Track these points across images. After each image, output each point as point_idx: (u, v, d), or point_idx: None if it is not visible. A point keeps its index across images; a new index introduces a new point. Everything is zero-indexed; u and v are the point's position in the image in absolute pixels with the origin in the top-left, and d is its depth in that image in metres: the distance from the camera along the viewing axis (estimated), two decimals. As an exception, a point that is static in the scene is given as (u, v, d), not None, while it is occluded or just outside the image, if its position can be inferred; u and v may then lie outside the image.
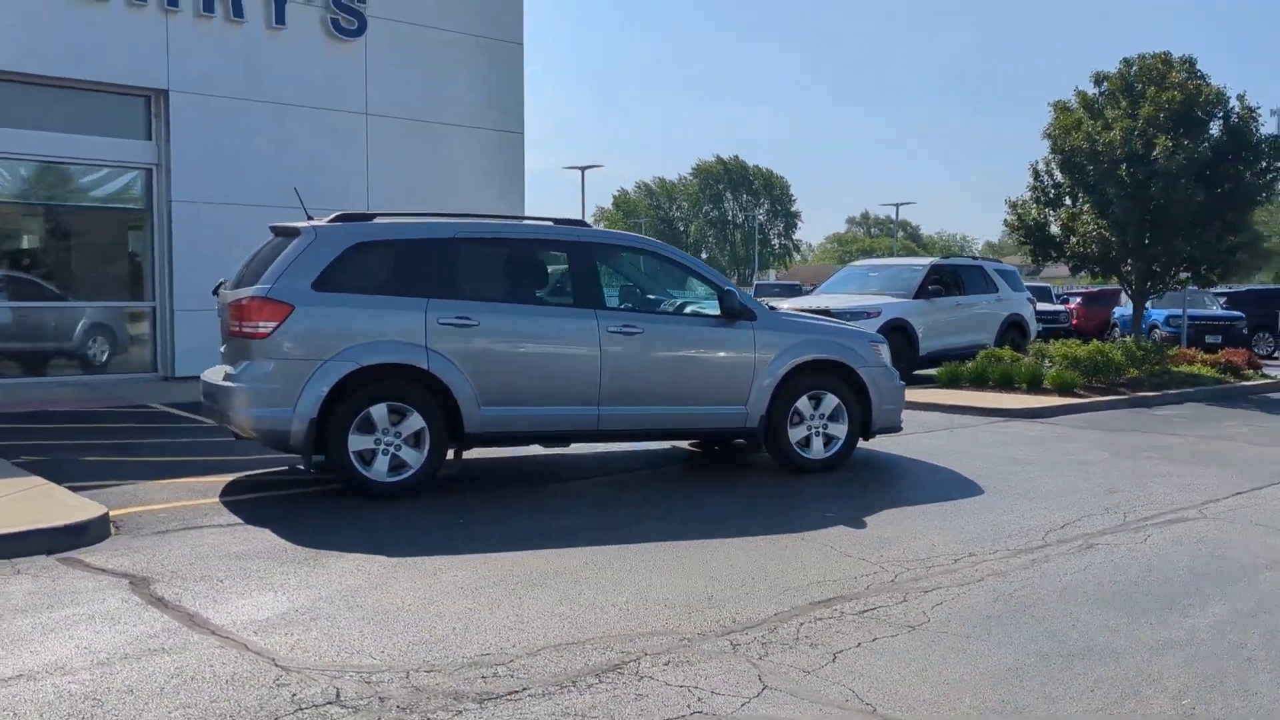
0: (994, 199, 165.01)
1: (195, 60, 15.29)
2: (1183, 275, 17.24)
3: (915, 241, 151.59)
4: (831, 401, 9.03)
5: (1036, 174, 17.94)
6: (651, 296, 9.31)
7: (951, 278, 17.89)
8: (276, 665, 4.61)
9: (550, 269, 8.79)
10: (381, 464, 7.78)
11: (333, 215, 8.18)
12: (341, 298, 7.76)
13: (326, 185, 16.60)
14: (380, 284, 7.98)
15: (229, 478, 8.64)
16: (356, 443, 7.70)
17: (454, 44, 17.90)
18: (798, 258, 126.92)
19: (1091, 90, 17.31)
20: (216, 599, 5.50)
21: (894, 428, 9.44)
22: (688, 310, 9.13)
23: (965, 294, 17.94)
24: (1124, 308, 31.39)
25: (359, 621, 5.18)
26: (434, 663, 4.67)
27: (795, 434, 8.93)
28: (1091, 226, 16.50)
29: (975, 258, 21.67)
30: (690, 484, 8.89)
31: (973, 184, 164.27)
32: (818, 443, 9.04)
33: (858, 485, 8.77)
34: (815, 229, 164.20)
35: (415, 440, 7.85)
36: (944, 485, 8.73)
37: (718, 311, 8.78)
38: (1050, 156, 17.44)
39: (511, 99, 18.72)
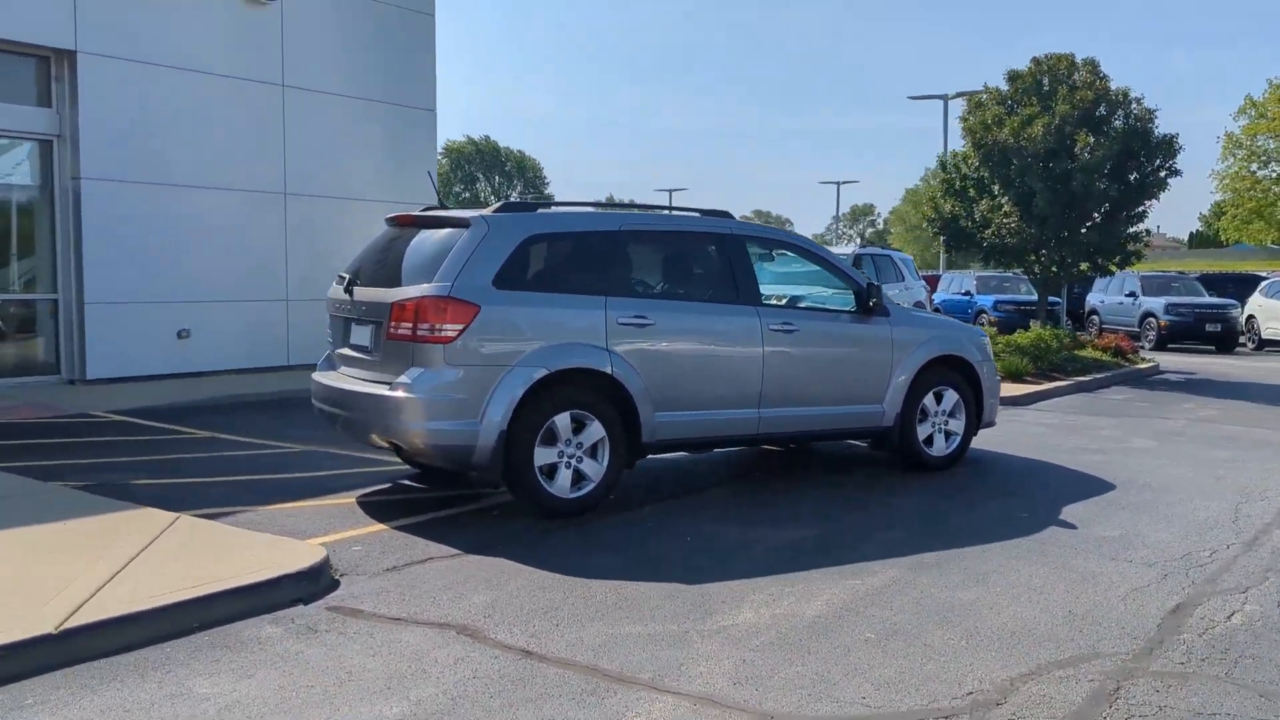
0: (722, 186, 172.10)
1: (106, 18, 13.51)
2: (1083, 264, 18.33)
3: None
4: (952, 398, 8.99)
5: (944, 166, 18.59)
6: (792, 292, 8.95)
7: (871, 267, 18.29)
8: (784, 724, 4.10)
9: (704, 263, 8.24)
10: (564, 479, 7.12)
11: (497, 204, 7.38)
12: (524, 296, 7.03)
13: (244, 162, 15.21)
14: (555, 280, 7.29)
15: (342, 498, 7.71)
16: (541, 456, 7.00)
17: (369, 13, 16.69)
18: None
19: (1004, 87, 18.07)
20: (597, 650, 4.83)
21: (992, 422, 9.51)
22: (803, 305, 8.83)
23: (881, 283, 18.33)
24: (941, 293, 33.17)
25: (786, 664, 4.70)
26: (937, 708, 4.28)
27: (921, 431, 8.83)
28: (1013, 219, 17.26)
29: (884, 248, 22.28)
30: (838, 484, 8.53)
31: (703, 172, 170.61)
32: (940, 440, 8.98)
33: (990, 481, 8.78)
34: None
35: (593, 451, 7.22)
36: (1066, 480, 8.84)
37: (852, 307, 8.54)
38: (964, 150, 18.12)
39: (424, 73, 17.67)
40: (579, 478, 7.18)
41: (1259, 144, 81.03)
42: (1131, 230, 17.88)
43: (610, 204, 8.07)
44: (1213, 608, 5.56)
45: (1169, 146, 17.23)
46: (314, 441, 10.02)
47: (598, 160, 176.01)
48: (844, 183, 74.50)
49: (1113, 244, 17.64)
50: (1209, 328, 26.43)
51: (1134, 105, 17.25)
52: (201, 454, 9.50)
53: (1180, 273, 31.90)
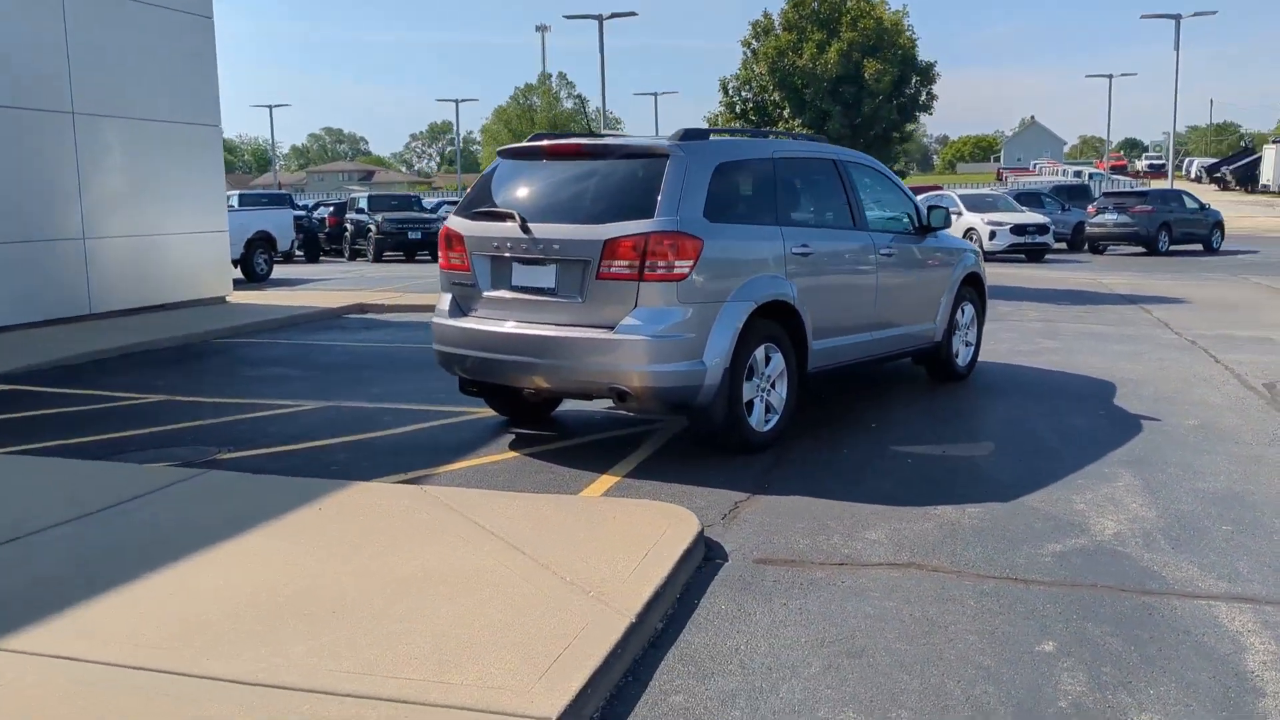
0: (310, 104, 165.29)
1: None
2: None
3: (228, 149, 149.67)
4: (970, 312, 9.66)
5: (726, 89, 19.25)
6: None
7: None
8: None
9: (832, 189, 8.17)
10: (759, 412, 7.04)
11: (678, 133, 6.97)
12: (727, 229, 6.79)
13: (23, 66, 12.86)
14: (739, 210, 7.08)
15: (500, 454, 7.17)
16: (747, 391, 6.89)
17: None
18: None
19: (785, 14, 18.87)
20: (1067, 568, 5.02)
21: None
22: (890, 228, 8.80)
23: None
24: None
25: (1238, 559, 5.10)
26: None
27: (953, 345, 9.44)
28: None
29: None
30: (914, 400, 8.92)
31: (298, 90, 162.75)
32: (965, 352, 9.64)
33: (1016, 386, 9.55)
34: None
35: (772, 384, 7.18)
36: (1071, 382, 9.80)
37: (912, 228, 8.86)
38: (744, 73, 18.83)
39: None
40: (767, 410, 7.12)
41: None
42: (905, 148, 19.54)
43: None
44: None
45: (928, 72, 18.96)
46: (302, 396, 9.12)
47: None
48: (464, 101, 73.39)
49: (886, 163, 19.20)
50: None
51: (902, 35, 18.75)
52: (215, 419, 8.29)
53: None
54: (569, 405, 8.41)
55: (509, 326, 6.85)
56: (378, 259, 32.24)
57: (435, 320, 7.33)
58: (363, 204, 34.66)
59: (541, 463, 6.87)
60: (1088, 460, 6.93)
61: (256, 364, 11.18)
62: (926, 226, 8.90)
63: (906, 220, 8.84)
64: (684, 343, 6.47)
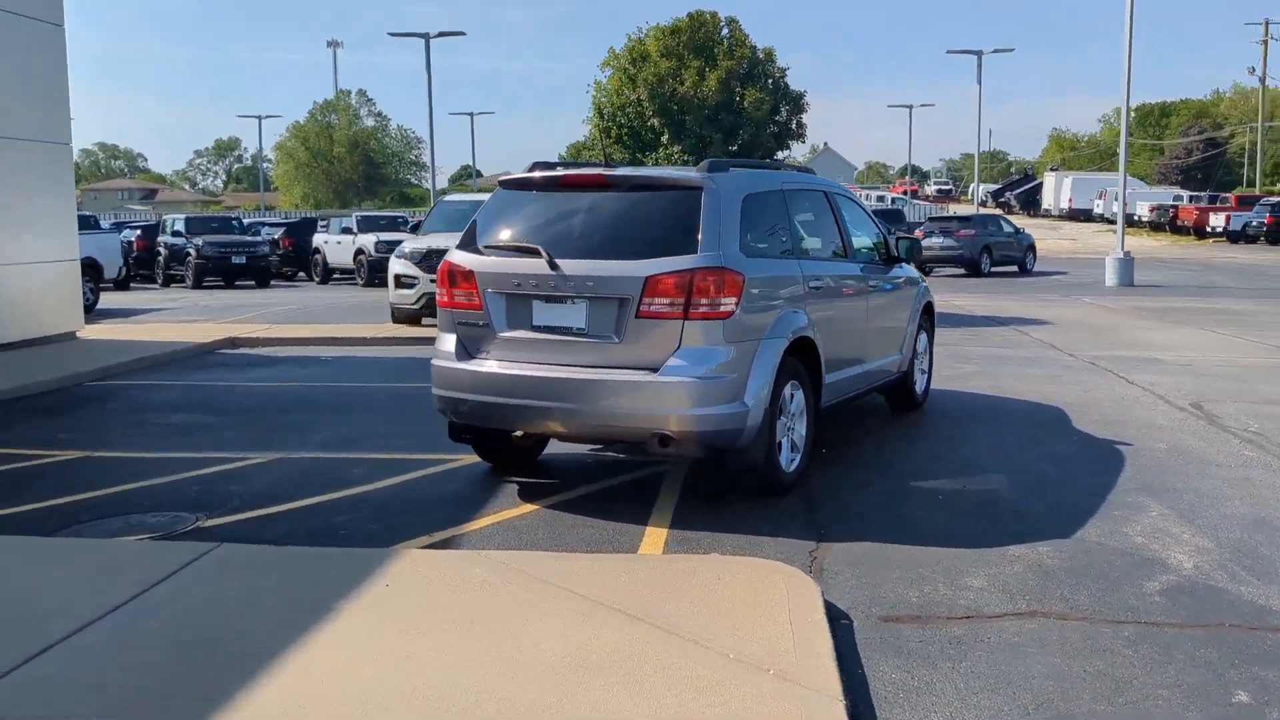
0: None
1: None
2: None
3: None
4: (924, 340, 9.71)
5: (601, 113, 19.03)
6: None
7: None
8: None
9: (829, 220, 7.99)
10: (785, 451, 6.81)
11: (706, 164, 6.65)
12: (759, 263, 6.55)
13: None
14: (763, 243, 6.83)
15: (517, 509, 6.66)
16: (777, 431, 6.64)
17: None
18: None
19: (661, 40, 18.81)
20: (1175, 611, 4.99)
21: (928, 359, 10.34)
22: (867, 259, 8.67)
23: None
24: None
25: (1309, 592, 5.22)
26: None
27: (914, 373, 9.45)
28: (690, 164, 18.21)
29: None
30: (891, 436, 8.85)
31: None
32: (921, 380, 9.67)
33: (973, 415, 9.65)
34: None
35: (794, 422, 6.96)
36: (1021, 408, 10.01)
37: (880, 258, 8.81)
38: (614, 97, 18.67)
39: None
40: (791, 449, 6.90)
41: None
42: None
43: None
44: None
45: (798, 101, 19.28)
46: (240, 448, 8.35)
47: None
48: (267, 117, 70.46)
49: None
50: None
51: (773, 65, 19.01)
52: (160, 479, 7.45)
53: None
54: (553, 449, 7.95)
55: (532, 369, 6.38)
56: (197, 285, 30.46)
57: (438, 363, 6.78)
58: (179, 226, 32.66)
59: (571, 515, 6.42)
60: (1104, 489, 6.98)
61: (159, 410, 10.17)
62: (896, 256, 8.89)
63: (877, 250, 8.78)
64: (728, 383, 6.18)
